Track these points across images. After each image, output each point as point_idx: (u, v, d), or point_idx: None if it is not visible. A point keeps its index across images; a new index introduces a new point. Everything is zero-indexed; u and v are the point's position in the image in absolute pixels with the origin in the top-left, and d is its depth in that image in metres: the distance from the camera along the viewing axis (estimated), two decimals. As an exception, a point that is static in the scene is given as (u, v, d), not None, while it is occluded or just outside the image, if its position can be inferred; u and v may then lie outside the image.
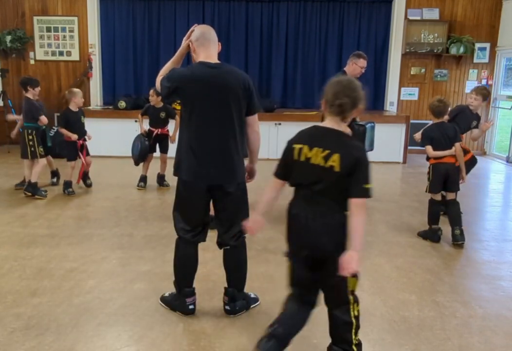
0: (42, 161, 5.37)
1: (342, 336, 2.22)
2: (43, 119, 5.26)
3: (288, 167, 2.17)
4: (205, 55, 2.62)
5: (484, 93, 4.68)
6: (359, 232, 2.02)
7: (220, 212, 2.74)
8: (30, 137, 5.25)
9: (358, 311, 2.20)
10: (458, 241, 4.03)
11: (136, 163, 5.73)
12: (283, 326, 2.21)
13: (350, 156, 2.01)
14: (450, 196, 4.24)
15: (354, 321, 2.19)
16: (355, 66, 4.82)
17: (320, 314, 2.79)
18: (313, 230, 2.09)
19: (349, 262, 1.98)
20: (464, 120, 4.67)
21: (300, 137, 2.15)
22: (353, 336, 2.20)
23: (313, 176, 2.07)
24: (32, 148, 5.26)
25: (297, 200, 2.18)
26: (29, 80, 5.39)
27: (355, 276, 2.13)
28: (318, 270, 2.17)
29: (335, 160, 2.01)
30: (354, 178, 2.01)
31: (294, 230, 2.18)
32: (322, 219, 2.08)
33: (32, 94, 5.30)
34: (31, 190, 5.27)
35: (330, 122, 2.11)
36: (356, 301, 2.20)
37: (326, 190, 2.06)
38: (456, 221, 4.12)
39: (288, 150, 2.16)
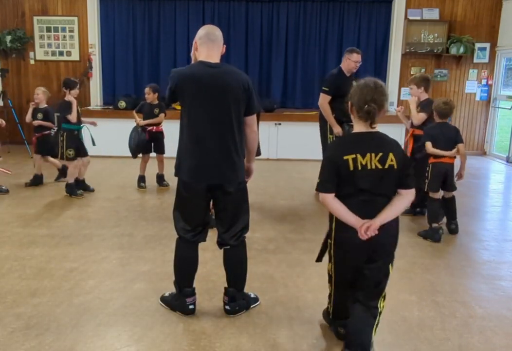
0: (73, 163, 5.37)
1: (363, 330, 2.26)
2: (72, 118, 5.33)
3: (341, 181, 2.17)
4: (206, 55, 2.62)
5: (416, 81, 4.69)
6: (395, 211, 2.16)
7: (220, 211, 2.74)
8: (62, 138, 5.30)
9: (383, 307, 2.30)
10: (453, 233, 4.33)
11: (134, 156, 5.71)
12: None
13: (400, 152, 2.16)
14: (448, 195, 4.30)
15: (378, 317, 2.28)
16: (349, 61, 4.88)
17: (317, 314, 2.79)
18: (376, 236, 2.14)
19: (373, 229, 2.10)
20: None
21: (346, 148, 2.17)
22: (373, 332, 2.28)
23: (375, 179, 2.13)
24: (62, 150, 5.32)
25: (352, 206, 2.17)
26: (69, 81, 5.47)
27: (392, 265, 2.30)
28: (368, 266, 2.24)
29: (392, 160, 2.11)
30: (408, 170, 2.16)
31: (354, 238, 2.16)
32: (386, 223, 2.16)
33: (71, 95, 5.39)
34: (69, 190, 5.36)
35: (362, 127, 2.17)
36: (384, 296, 2.30)
37: (387, 189, 2.17)
38: (452, 216, 4.33)
39: (338, 163, 2.14)
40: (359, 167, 2.11)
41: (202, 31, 2.66)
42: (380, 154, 2.11)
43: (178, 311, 2.82)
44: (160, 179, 5.88)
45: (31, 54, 8.53)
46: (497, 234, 4.47)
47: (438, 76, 8.47)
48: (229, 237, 2.74)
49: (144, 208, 5.06)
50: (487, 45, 8.31)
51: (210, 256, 3.50)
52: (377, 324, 2.29)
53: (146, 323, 2.72)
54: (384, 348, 2.53)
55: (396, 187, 2.19)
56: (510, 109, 8.09)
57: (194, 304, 2.82)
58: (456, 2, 8.24)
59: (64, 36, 8.49)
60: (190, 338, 2.59)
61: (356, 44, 8.44)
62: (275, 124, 7.73)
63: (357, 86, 2.15)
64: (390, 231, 2.21)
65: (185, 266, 2.81)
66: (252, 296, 2.98)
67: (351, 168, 2.11)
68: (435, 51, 8.31)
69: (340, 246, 2.28)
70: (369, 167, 2.11)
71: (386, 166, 2.11)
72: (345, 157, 2.12)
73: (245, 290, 2.89)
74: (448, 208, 4.34)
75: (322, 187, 2.21)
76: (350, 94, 2.19)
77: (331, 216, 2.29)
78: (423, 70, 8.45)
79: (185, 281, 2.81)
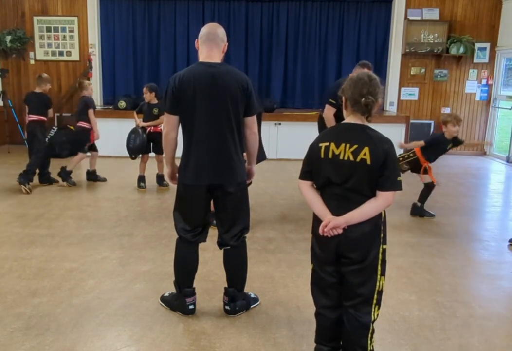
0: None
1: (357, 341, 2.14)
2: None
3: (314, 169, 2.12)
4: (205, 55, 2.62)
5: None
6: (361, 212, 2.01)
7: (220, 212, 2.74)
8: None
9: (377, 315, 2.16)
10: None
11: (132, 157, 5.71)
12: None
13: (380, 149, 1.99)
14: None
15: (372, 325, 2.13)
16: None
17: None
18: (349, 233, 2.03)
19: (331, 226, 2.00)
20: None
21: (325, 136, 2.12)
22: (369, 342, 2.14)
23: (345, 172, 2.02)
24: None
25: (326, 199, 2.10)
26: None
27: (383, 275, 2.11)
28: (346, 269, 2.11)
29: (366, 154, 1.98)
30: (387, 170, 1.99)
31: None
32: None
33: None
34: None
35: (353, 118, 2.08)
36: (378, 303, 2.14)
37: (359, 185, 2.02)
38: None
39: (313, 150, 2.10)
40: (330, 156, 2.04)
41: (203, 30, 2.66)
42: (355, 146, 2.00)
43: (178, 311, 2.82)
44: (160, 179, 5.88)
45: (31, 54, 8.54)
46: (497, 234, 4.47)
47: (438, 76, 8.47)
48: (230, 237, 2.74)
49: (144, 208, 5.06)
50: (487, 45, 8.31)
51: (210, 256, 3.50)
52: (372, 333, 2.16)
53: (146, 323, 2.72)
54: (384, 348, 2.53)
55: (375, 186, 2.03)
56: (510, 109, 8.09)
57: (194, 304, 2.82)
58: (456, 2, 8.25)
59: (64, 36, 8.50)
60: (190, 338, 2.59)
61: (356, 44, 8.47)
62: (275, 124, 7.73)
63: (351, 80, 2.08)
64: (361, 228, 2.03)
65: (185, 266, 2.81)
66: (252, 296, 2.98)
67: (322, 155, 2.05)
68: (435, 51, 8.31)
69: (315, 239, 2.16)
70: (341, 157, 2.02)
71: (358, 159, 1.99)
72: (320, 145, 2.07)
73: (245, 290, 2.89)
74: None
75: (300, 174, 2.19)
76: (342, 88, 2.11)
77: None
78: (423, 70, 8.45)
79: (185, 281, 2.81)
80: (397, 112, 8.40)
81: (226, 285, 2.85)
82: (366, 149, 1.98)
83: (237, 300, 2.82)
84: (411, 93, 8.54)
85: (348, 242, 2.05)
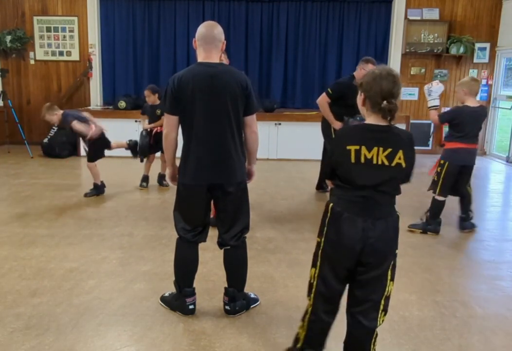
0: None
1: (362, 347, 2.09)
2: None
3: (341, 172, 2.00)
4: (204, 56, 2.62)
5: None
6: None
7: (220, 212, 2.74)
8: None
9: (383, 321, 2.09)
10: None
11: (141, 160, 5.74)
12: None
13: (412, 151, 1.97)
14: None
15: (376, 331, 2.09)
16: (363, 71, 4.80)
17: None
18: (372, 236, 1.95)
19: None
20: None
21: (351, 138, 1.97)
22: (372, 346, 2.10)
23: (380, 177, 1.94)
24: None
25: (350, 202, 1.98)
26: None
27: (392, 280, 2.05)
28: (357, 276, 2.02)
29: (401, 157, 1.93)
30: (410, 169, 1.99)
31: (347, 236, 1.97)
32: (384, 226, 1.97)
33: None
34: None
35: (376, 119, 1.97)
36: (385, 309, 2.07)
37: (391, 187, 1.99)
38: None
39: (341, 153, 1.97)
40: (362, 160, 1.92)
41: (201, 31, 2.63)
42: (389, 150, 1.91)
43: (178, 311, 2.82)
44: (161, 178, 5.88)
45: (31, 54, 8.54)
46: (497, 234, 4.47)
47: (438, 76, 8.46)
48: (230, 237, 2.74)
49: (144, 207, 5.06)
50: (487, 45, 8.31)
51: (210, 256, 3.50)
52: (376, 338, 2.12)
53: (146, 323, 2.72)
54: (384, 348, 2.53)
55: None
56: (510, 109, 8.09)
57: (194, 304, 2.83)
58: (456, 2, 8.25)
59: (64, 36, 8.50)
60: (190, 338, 2.59)
61: (356, 44, 8.46)
62: (275, 124, 7.73)
63: (373, 78, 1.93)
64: (387, 234, 1.99)
65: (185, 266, 2.81)
66: (252, 296, 2.98)
67: (353, 160, 1.93)
68: (435, 51, 8.31)
69: (332, 243, 2.03)
70: (374, 162, 1.92)
71: (393, 164, 1.92)
72: (348, 148, 1.93)
73: (245, 290, 2.89)
74: None
75: (326, 175, 2.18)
76: (362, 84, 1.98)
77: (326, 211, 2.06)
78: (423, 70, 8.45)
79: (185, 281, 2.81)
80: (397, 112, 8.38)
81: (226, 285, 2.85)
82: (400, 153, 1.93)
83: (237, 300, 2.82)
84: (411, 93, 8.53)
85: (374, 248, 1.96)
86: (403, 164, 1.94)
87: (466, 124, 4.09)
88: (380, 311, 2.07)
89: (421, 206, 4.86)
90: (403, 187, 2.05)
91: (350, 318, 2.09)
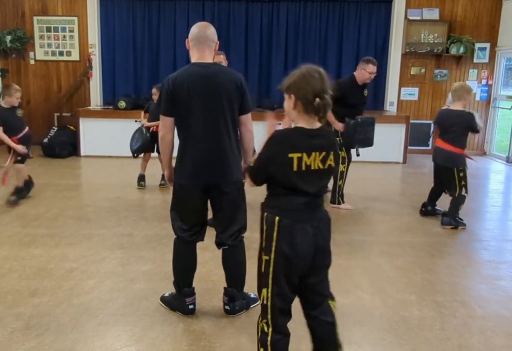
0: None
1: (333, 341, 2.08)
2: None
3: (280, 178, 1.91)
4: (197, 57, 2.64)
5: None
6: None
7: (217, 211, 2.74)
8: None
9: (334, 306, 2.10)
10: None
11: (134, 155, 5.70)
12: None
13: (336, 147, 2.01)
14: None
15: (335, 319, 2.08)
16: (363, 71, 4.78)
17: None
18: (320, 238, 1.96)
19: None
20: None
21: (293, 145, 1.88)
22: (338, 336, 2.09)
23: (321, 181, 1.96)
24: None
25: (296, 211, 1.93)
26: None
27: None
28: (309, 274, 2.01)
29: (331, 159, 1.95)
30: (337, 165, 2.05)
31: (302, 246, 1.92)
32: (324, 224, 2.00)
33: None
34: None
35: (308, 122, 1.91)
36: (332, 297, 2.11)
37: (324, 188, 2.04)
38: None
39: (281, 161, 1.88)
40: (303, 168, 1.87)
41: (193, 32, 2.67)
42: (324, 153, 1.90)
43: (178, 311, 2.82)
44: (163, 178, 5.87)
45: (31, 54, 8.54)
46: (497, 234, 4.47)
47: (438, 76, 8.47)
48: (227, 237, 2.74)
49: (144, 207, 5.06)
50: (487, 45, 8.31)
51: (210, 256, 3.49)
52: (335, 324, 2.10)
53: (146, 323, 2.72)
54: (384, 348, 2.53)
55: None
56: (510, 109, 8.09)
57: (194, 304, 2.83)
58: (456, 2, 8.25)
59: (64, 36, 8.50)
60: (190, 338, 2.59)
61: (356, 44, 8.46)
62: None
63: (301, 77, 1.90)
64: (327, 230, 2.01)
65: (184, 266, 2.81)
66: (252, 296, 2.98)
67: (295, 168, 1.87)
68: (435, 51, 8.31)
69: (285, 257, 1.93)
70: (313, 168, 1.89)
71: (326, 166, 1.92)
72: (290, 155, 1.86)
73: (245, 290, 2.89)
74: None
75: (256, 174, 2.00)
76: (287, 86, 1.92)
77: (270, 224, 1.94)
78: (423, 70, 8.45)
79: (184, 281, 2.81)
80: (397, 112, 8.40)
81: (225, 285, 2.85)
82: (331, 155, 1.95)
83: (236, 300, 2.82)
84: (411, 93, 8.54)
85: (323, 248, 1.99)
86: (333, 165, 1.97)
87: (438, 124, 4.65)
88: (331, 299, 2.10)
89: (419, 206, 4.87)
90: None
91: (312, 320, 2.08)
